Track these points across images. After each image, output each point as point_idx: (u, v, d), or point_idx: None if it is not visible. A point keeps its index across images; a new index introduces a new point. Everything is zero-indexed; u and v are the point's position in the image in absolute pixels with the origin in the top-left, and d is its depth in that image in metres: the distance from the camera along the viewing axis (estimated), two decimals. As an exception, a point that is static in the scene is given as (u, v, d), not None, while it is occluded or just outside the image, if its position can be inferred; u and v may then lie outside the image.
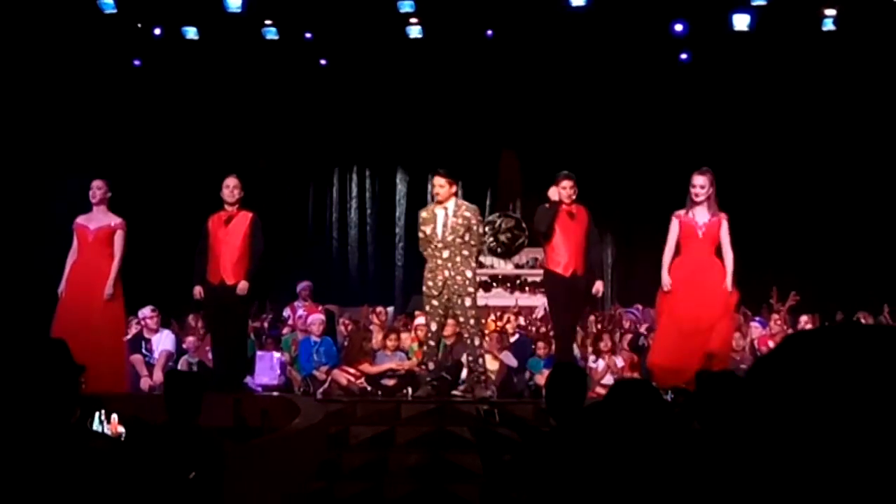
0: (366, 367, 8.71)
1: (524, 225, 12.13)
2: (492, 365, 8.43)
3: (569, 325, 8.09)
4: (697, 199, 7.56)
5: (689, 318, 7.43)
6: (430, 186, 13.89)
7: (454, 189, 7.78)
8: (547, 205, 8.04)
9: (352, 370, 8.69)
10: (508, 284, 11.46)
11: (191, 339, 9.11)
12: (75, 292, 7.95)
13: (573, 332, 8.35)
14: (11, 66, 10.22)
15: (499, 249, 11.82)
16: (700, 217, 7.59)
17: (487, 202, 13.20)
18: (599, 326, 9.63)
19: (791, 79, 12.06)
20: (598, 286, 8.12)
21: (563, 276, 7.93)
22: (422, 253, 7.87)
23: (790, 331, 9.14)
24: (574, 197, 8.01)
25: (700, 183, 7.53)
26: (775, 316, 9.43)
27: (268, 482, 5.72)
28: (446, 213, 7.66)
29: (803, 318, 9.57)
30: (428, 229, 7.68)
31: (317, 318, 9.42)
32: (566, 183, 7.98)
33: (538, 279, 11.48)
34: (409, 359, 8.80)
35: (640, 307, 10.36)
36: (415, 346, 8.91)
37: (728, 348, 7.80)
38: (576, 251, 7.95)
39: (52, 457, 2.40)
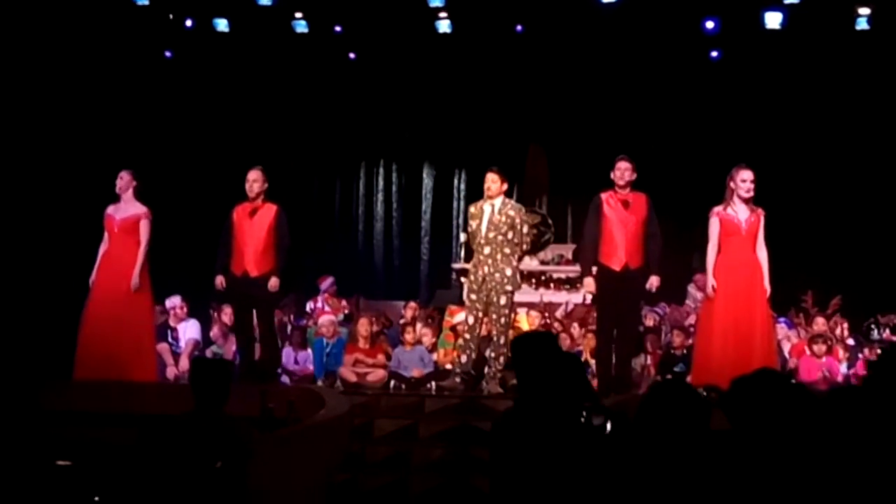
0: (346, 372, 8.46)
1: (550, 221, 12.11)
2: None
3: (612, 324, 7.68)
4: (749, 195, 7.28)
5: (737, 322, 7.15)
6: (455, 181, 13.98)
7: (505, 187, 7.82)
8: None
9: (353, 367, 8.55)
10: (533, 281, 11.44)
11: (215, 328, 9.16)
12: (104, 282, 8.03)
13: (625, 331, 7.73)
14: (45, 58, 10.32)
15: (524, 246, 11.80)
16: (741, 213, 7.33)
17: (514, 198, 13.17)
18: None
19: (824, 78, 11.94)
20: (653, 281, 7.59)
21: (614, 270, 7.61)
22: (471, 247, 7.93)
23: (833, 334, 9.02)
24: (627, 181, 7.64)
25: (751, 178, 7.29)
26: (820, 319, 9.24)
27: (293, 473, 5.75)
28: (493, 209, 7.71)
29: (840, 321, 9.43)
30: (474, 224, 7.77)
31: (327, 320, 9.20)
32: (620, 165, 7.64)
33: (563, 276, 11.49)
34: (429, 353, 8.78)
35: (664, 305, 10.28)
36: (448, 343, 8.89)
37: (774, 356, 7.43)
38: (630, 243, 7.59)
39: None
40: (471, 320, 7.71)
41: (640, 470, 3.00)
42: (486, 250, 7.64)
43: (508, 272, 7.62)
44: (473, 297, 7.67)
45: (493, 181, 7.74)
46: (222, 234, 8.13)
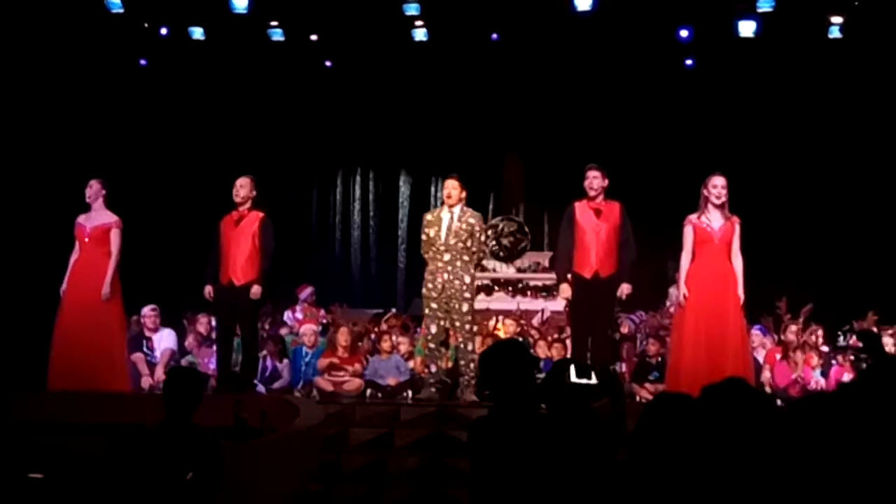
0: (322, 381, 8.48)
1: (526, 229, 12.13)
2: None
3: (586, 332, 7.66)
4: (719, 201, 7.27)
5: (709, 331, 7.13)
6: (432, 189, 14.00)
7: (464, 195, 7.82)
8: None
9: (329, 376, 8.52)
10: (510, 288, 11.46)
11: (190, 338, 9.10)
12: (75, 291, 7.97)
13: (600, 338, 7.67)
14: (18, 65, 10.24)
15: (501, 253, 11.82)
16: (715, 221, 7.32)
17: (490, 206, 13.20)
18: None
19: (797, 86, 12.04)
20: (624, 289, 7.58)
21: (585, 278, 7.63)
22: (423, 255, 7.91)
23: (805, 341, 9.05)
24: (598, 190, 7.64)
25: (722, 184, 7.28)
26: (793, 327, 9.25)
27: (267, 483, 5.73)
28: (452, 217, 7.72)
29: (814, 329, 9.47)
30: (431, 231, 7.75)
31: (309, 329, 9.18)
32: (588, 174, 7.66)
33: (540, 283, 11.51)
34: (406, 361, 8.75)
35: (641, 313, 10.30)
36: (425, 351, 8.86)
37: (749, 364, 7.39)
38: (601, 251, 7.60)
39: None
40: (433, 329, 7.71)
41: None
42: (446, 257, 7.65)
43: (467, 279, 7.67)
44: (434, 305, 7.65)
45: (453, 188, 7.75)
46: (212, 245, 8.12)
